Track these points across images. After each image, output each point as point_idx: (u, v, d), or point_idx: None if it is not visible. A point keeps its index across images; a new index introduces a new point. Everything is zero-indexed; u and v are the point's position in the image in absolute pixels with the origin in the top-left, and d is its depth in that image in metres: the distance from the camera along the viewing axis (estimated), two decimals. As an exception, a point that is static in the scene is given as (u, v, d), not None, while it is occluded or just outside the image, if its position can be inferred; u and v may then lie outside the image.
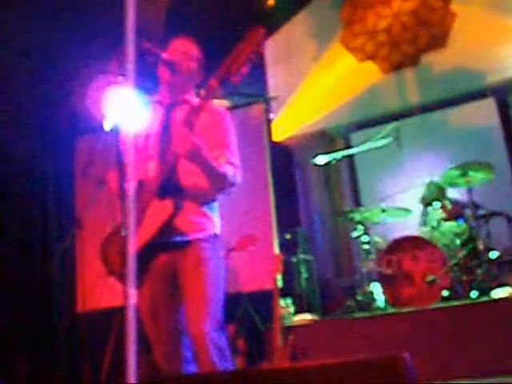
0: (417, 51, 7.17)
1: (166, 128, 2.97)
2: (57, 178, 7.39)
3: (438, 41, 7.05)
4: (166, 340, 2.89)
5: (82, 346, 6.09)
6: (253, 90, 7.09)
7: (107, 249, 2.96)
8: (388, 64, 7.32)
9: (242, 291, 5.95)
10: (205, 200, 2.95)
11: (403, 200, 5.82)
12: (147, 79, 2.67)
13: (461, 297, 4.99)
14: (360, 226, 5.69)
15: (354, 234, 5.76)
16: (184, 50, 3.05)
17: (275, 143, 7.36)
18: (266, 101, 7.19)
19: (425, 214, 5.67)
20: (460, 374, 4.23)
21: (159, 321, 2.90)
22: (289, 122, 7.60)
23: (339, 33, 7.63)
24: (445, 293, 4.98)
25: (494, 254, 5.21)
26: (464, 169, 5.37)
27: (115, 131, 2.62)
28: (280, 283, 5.01)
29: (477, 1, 7.00)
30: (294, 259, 6.37)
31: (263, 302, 5.28)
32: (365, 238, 5.66)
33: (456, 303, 4.81)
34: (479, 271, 5.10)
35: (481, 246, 5.16)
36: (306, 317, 5.60)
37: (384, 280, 5.24)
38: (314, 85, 7.58)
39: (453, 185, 5.59)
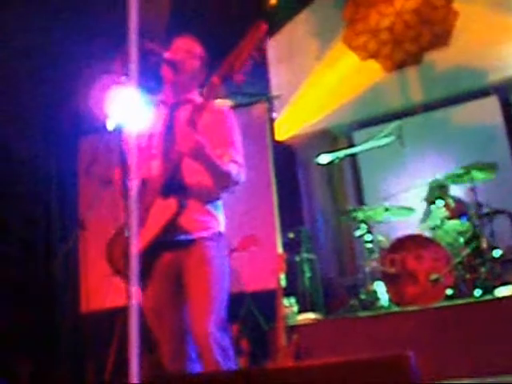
0: (419, 49, 7.16)
1: (169, 127, 2.97)
2: (60, 178, 7.40)
3: (441, 39, 7.04)
4: (170, 339, 2.89)
5: (85, 347, 6.10)
6: (255, 90, 7.09)
7: (112, 249, 2.96)
8: (391, 62, 7.31)
9: (246, 291, 5.95)
10: (209, 198, 2.95)
11: (406, 199, 5.82)
12: (150, 79, 2.68)
13: (464, 295, 4.99)
14: (363, 225, 5.68)
15: (358, 233, 5.75)
16: (187, 49, 3.05)
17: (278, 142, 7.36)
18: (269, 100, 7.18)
19: (428, 212, 5.66)
20: (464, 372, 4.23)
21: (164, 320, 2.90)
22: (291, 121, 7.60)
23: (342, 32, 7.62)
24: (449, 291, 4.98)
25: (497, 253, 5.20)
26: (468, 169, 5.37)
27: (118, 131, 2.62)
28: (283, 282, 5.01)
29: (479, -1, 7.00)
30: (297, 258, 6.37)
31: (266, 301, 5.28)
32: (368, 237, 5.65)
33: (460, 302, 4.80)
34: (483, 269, 5.09)
35: (484, 245, 5.15)
36: (310, 316, 5.60)
37: (388, 279, 5.23)
38: (316, 84, 7.58)
39: (455, 182, 5.58)
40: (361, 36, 7.49)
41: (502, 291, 4.76)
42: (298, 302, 5.83)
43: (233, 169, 2.88)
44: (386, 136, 5.82)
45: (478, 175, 5.41)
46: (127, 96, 2.55)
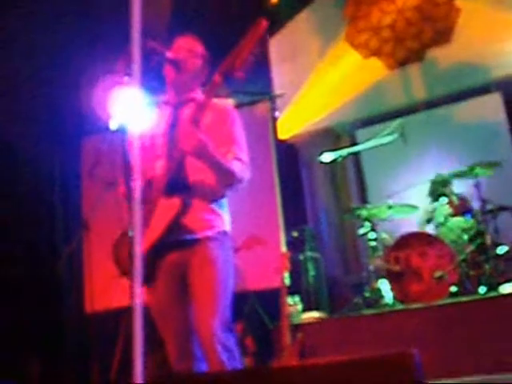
0: (421, 47, 7.15)
1: (173, 127, 2.97)
2: (63, 178, 7.42)
3: (443, 36, 7.03)
4: (176, 339, 2.89)
5: (90, 347, 6.11)
6: (258, 89, 7.09)
7: (119, 250, 2.96)
8: (393, 60, 7.30)
9: (250, 289, 5.95)
10: (213, 197, 2.95)
11: (410, 196, 5.82)
12: (153, 79, 2.68)
13: (469, 292, 4.98)
14: (367, 223, 5.68)
15: (361, 231, 5.75)
16: (189, 48, 3.05)
17: (281, 141, 7.36)
18: (272, 99, 7.18)
19: (432, 209, 5.65)
20: (469, 369, 4.23)
21: (169, 320, 2.90)
22: (294, 120, 7.60)
23: (343, 30, 7.62)
24: (453, 289, 4.98)
25: (501, 249, 5.20)
26: (471, 169, 5.36)
27: (121, 131, 2.63)
28: (287, 281, 5.02)
29: (481, -4, 6.99)
30: (301, 257, 6.37)
31: (271, 300, 5.28)
32: (372, 235, 5.65)
33: (464, 299, 4.80)
34: (487, 266, 5.09)
35: (488, 241, 5.14)
36: (314, 314, 5.60)
37: (392, 276, 5.23)
38: (319, 82, 7.57)
39: (459, 177, 5.57)
40: (362, 34, 7.48)
41: (506, 288, 4.76)
42: (302, 300, 5.83)
43: (237, 167, 2.88)
44: (388, 134, 5.82)
45: (481, 172, 5.40)
46: (130, 96, 2.55)
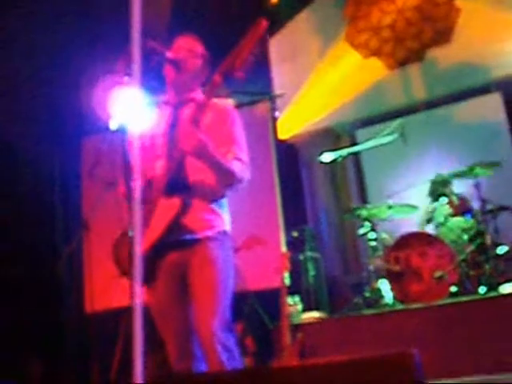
0: (421, 47, 7.15)
1: (173, 127, 2.97)
2: (63, 178, 7.42)
3: (443, 36, 7.03)
4: (176, 339, 2.89)
5: (91, 346, 6.11)
6: (258, 89, 7.09)
7: (119, 250, 2.96)
8: (393, 60, 7.31)
9: (250, 289, 5.95)
10: (213, 197, 2.94)
11: (409, 196, 5.82)
12: (153, 79, 2.68)
13: (469, 292, 4.98)
14: (367, 223, 5.68)
15: (361, 231, 5.75)
16: (189, 48, 3.05)
17: (281, 141, 7.36)
18: (272, 99, 7.18)
19: (432, 209, 5.65)
20: (469, 369, 4.23)
21: (169, 320, 2.90)
22: (294, 120, 7.60)
23: (343, 30, 7.62)
24: (453, 288, 4.98)
25: (502, 249, 5.20)
26: (471, 169, 5.37)
27: (121, 131, 2.63)
28: (287, 281, 5.02)
29: (481, -5, 6.99)
30: (301, 257, 6.37)
31: (271, 300, 5.28)
32: (372, 235, 5.65)
33: (464, 299, 4.80)
34: (487, 266, 5.09)
35: (488, 241, 5.14)
36: (314, 314, 5.60)
37: (392, 276, 5.23)
38: (319, 82, 7.57)
39: (459, 177, 5.58)
40: (362, 34, 7.48)
41: (506, 288, 4.76)
42: (302, 300, 5.83)
43: (237, 167, 2.88)
44: (388, 134, 5.82)
45: (481, 172, 5.41)
46: (130, 96, 2.55)
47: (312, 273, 6.36)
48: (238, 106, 6.26)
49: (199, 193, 2.88)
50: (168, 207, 2.79)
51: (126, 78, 2.60)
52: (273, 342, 5.07)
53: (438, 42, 7.06)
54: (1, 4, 5.82)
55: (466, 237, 5.30)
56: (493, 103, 6.90)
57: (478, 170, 5.35)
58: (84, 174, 7.05)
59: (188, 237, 2.85)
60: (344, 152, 6.00)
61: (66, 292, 7.00)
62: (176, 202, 2.78)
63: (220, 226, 2.94)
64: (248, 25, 2.69)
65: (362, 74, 7.38)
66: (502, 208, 5.40)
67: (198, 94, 3.05)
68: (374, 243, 5.62)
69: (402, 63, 7.26)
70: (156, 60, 2.87)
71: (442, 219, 5.44)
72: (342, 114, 7.45)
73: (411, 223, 5.77)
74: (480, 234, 5.24)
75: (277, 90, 7.55)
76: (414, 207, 5.72)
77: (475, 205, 5.41)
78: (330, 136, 7.73)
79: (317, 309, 5.89)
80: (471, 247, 5.19)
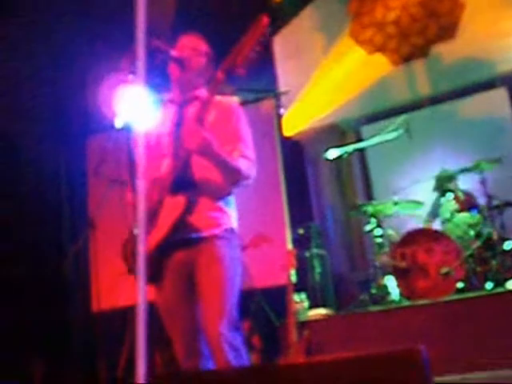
0: (426, 42, 7.13)
1: (178, 126, 2.97)
2: (69, 177, 7.43)
3: (448, 31, 7.01)
4: (183, 337, 2.88)
5: (97, 345, 6.12)
6: (262, 86, 7.09)
7: (127, 248, 2.97)
8: (397, 56, 7.29)
9: (256, 287, 5.95)
10: (220, 195, 2.93)
11: (415, 192, 5.81)
12: (157, 77, 2.68)
13: (476, 288, 4.98)
14: (373, 220, 5.68)
15: (367, 228, 5.75)
16: (193, 46, 3.05)
17: (286, 138, 7.36)
18: (277, 96, 7.18)
19: (437, 205, 5.65)
20: (475, 366, 4.22)
21: (177, 318, 2.90)
22: (299, 117, 7.59)
23: (348, 26, 7.60)
24: (459, 285, 4.97)
25: (508, 245, 5.19)
26: (477, 165, 5.36)
27: (127, 129, 2.63)
28: (294, 278, 5.02)
29: (485, -10, 6.97)
30: (307, 254, 6.37)
31: (277, 297, 5.29)
32: (378, 232, 5.65)
33: (471, 295, 4.79)
34: (494, 262, 5.08)
35: (495, 237, 5.13)
36: (321, 311, 5.61)
37: (398, 273, 5.22)
38: (323, 79, 7.56)
39: (464, 172, 5.57)
40: (367, 30, 7.47)
41: (513, 284, 4.75)
42: (308, 297, 5.83)
43: (243, 164, 2.87)
44: (393, 130, 5.81)
45: (486, 166, 5.40)
46: (135, 94, 2.55)
47: (318, 270, 6.36)
48: (243, 103, 6.26)
49: (206, 191, 2.88)
50: (174, 206, 2.79)
51: (130, 76, 2.60)
52: (279, 339, 5.07)
53: (443, 38, 7.04)
54: (3, 7, 5.83)
55: (472, 232, 5.29)
56: (498, 98, 6.88)
57: (483, 164, 5.34)
58: (90, 172, 7.06)
59: (195, 235, 2.85)
60: (349, 148, 5.99)
61: (73, 291, 7.01)
62: (181, 200, 2.78)
63: (227, 223, 2.93)
64: (251, 22, 2.69)
65: (366, 70, 7.37)
66: (508, 204, 5.39)
67: (203, 92, 3.05)
68: (380, 240, 5.61)
69: (407, 59, 7.24)
70: (160, 58, 2.87)
71: (448, 215, 5.44)
72: (346, 111, 7.43)
73: (417, 219, 5.77)
74: (486, 229, 5.23)
75: (281, 87, 7.55)
76: (419, 203, 5.72)
77: (481, 201, 5.40)
78: (335, 132, 7.72)
79: (323, 306, 5.89)
80: (477, 243, 5.18)
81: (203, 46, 3.10)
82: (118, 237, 3.09)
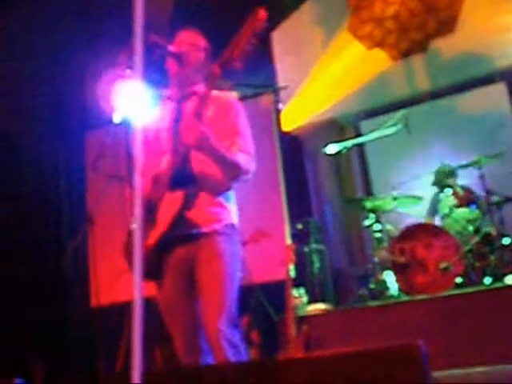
0: (425, 37, 7.12)
1: (177, 121, 2.96)
2: (68, 173, 7.43)
3: (447, 26, 7.00)
4: (183, 333, 2.88)
5: (96, 340, 6.13)
6: (261, 81, 7.08)
7: (129, 245, 2.96)
8: (396, 51, 7.28)
9: (255, 282, 5.95)
10: (219, 190, 2.93)
11: (414, 187, 5.81)
12: (156, 72, 2.67)
13: (474, 283, 4.98)
14: (372, 215, 5.68)
15: (366, 223, 5.75)
16: (191, 42, 3.05)
17: (285, 133, 7.35)
18: (275, 91, 7.17)
19: (436, 200, 5.65)
20: (474, 361, 4.22)
21: (177, 315, 2.90)
22: (298, 112, 7.58)
23: (346, 20, 7.59)
24: (458, 280, 4.97)
25: (507, 240, 5.19)
26: (476, 162, 5.36)
27: (125, 124, 2.63)
28: (292, 273, 5.02)
29: (484, -15, 6.95)
30: (306, 249, 6.37)
31: (276, 292, 5.29)
32: (377, 227, 5.65)
33: (470, 290, 4.80)
34: (492, 257, 5.08)
35: (494, 232, 5.14)
36: (320, 306, 5.61)
37: (397, 268, 5.22)
38: (322, 74, 7.55)
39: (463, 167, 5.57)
40: (366, 25, 7.45)
41: (511, 279, 4.75)
42: (307, 292, 5.83)
43: (241, 158, 2.87)
44: (392, 125, 5.81)
45: (485, 161, 5.40)
46: (133, 89, 2.55)
47: (317, 265, 6.36)
48: (242, 98, 6.25)
49: (205, 186, 2.87)
50: (173, 201, 2.79)
51: (128, 72, 2.59)
52: (278, 334, 5.08)
53: (442, 33, 7.02)
54: (1, 4, 5.82)
55: (471, 228, 5.30)
56: (497, 93, 6.88)
57: (483, 160, 5.34)
58: (88, 168, 7.06)
59: (195, 231, 2.84)
60: (348, 143, 5.99)
61: (72, 286, 7.01)
62: (179, 195, 2.77)
63: (227, 219, 2.92)
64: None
65: (365, 65, 7.36)
66: (507, 199, 5.39)
67: (201, 88, 3.04)
68: (379, 235, 5.61)
69: (406, 54, 7.23)
70: (159, 53, 2.86)
71: (447, 210, 5.44)
72: (345, 106, 7.42)
73: (416, 214, 5.77)
74: (485, 224, 5.24)
75: (280, 82, 7.54)
76: (418, 198, 5.72)
77: (480, 196, 5.40)
78: (334, 127, 7.71)
79: (322, 301, 5.89)
80: (476, 238, 5.18)
81: (201, 41, 3.09)
82: (116, 232, 3.09)
